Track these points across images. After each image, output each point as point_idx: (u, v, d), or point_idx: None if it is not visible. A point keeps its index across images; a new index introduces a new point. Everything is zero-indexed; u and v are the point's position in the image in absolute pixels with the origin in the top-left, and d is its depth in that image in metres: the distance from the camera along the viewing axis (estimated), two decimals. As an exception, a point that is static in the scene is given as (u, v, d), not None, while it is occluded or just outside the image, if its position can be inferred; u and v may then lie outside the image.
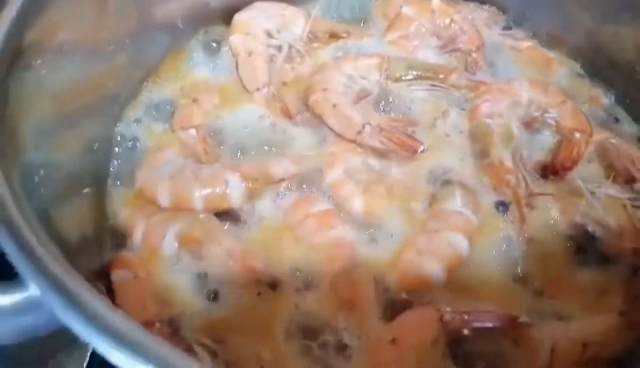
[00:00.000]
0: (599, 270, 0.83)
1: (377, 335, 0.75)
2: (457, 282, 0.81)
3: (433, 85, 1.05)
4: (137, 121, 1.01)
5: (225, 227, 0.87)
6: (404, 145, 0.93)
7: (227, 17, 1.12)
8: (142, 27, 1.00)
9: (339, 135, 0.97)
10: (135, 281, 0.78)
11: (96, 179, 0.91)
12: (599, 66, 1.07)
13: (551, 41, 1.14)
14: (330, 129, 0.98)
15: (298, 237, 0.86)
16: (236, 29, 1.10)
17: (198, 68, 1.09)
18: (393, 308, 0.79)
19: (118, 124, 0.98)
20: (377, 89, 1.04)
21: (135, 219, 0.88)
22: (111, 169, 0.94)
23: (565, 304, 0.80)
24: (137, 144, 0.97)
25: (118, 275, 0.78)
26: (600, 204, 0.88)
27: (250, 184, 0.89)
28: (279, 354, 0.75)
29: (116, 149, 0.96)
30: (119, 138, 0.97)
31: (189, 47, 1.10)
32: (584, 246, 0.85)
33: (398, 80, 1.06)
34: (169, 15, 1.05)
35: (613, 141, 0.96)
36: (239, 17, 1.11)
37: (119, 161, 0.95)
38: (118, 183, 0.93)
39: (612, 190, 0.90)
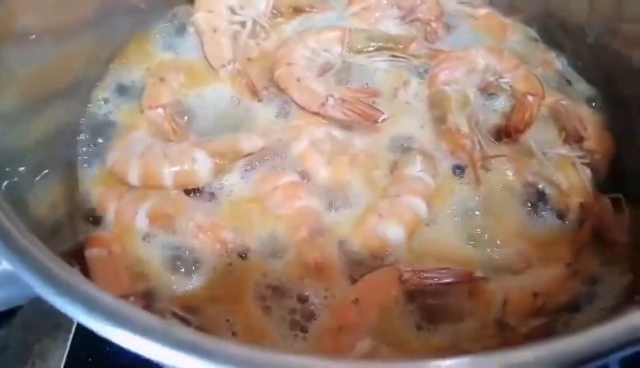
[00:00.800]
0: (549, 225, 0.88)
1: (342, 296, 0.80)
2: (418, 244, 0.86)
3: (394, 56, 1.08)
4: (105, 101, 1.03)
5: (196, 203, 0.90)
6: (365, 115, 0.97)
7: (188, -5, 1.13)
8: (106, 8, 1.01)
9: (303, 108, 1.00)
10: (109, 257, 0.81)
11: (67, 162, 0.93)
12: (552, 30, 1.11)
13: (507, 8, 1.18)
14: (295, 102, 1.01)
15: (266, 209, 0.90)
16: (200, 6, 1.12)
17: (164, 48, 1.11)
18: (358, 271, 0.84)
19: (87, 107, 1.00)
20: (340, 61, 1.07)
21: (107, 198, 0.91)
22: (82, 150, 0.96)
23: (516, 257, 0.85)
24: (107, 125, 1.00)
25: (92, 253, 0.81)
26: (551, 163, 0.93)
27: (217, 160, 0.92)
28: (250, 318, 0.79)
29: (85, 131, 0.98)
30: (88, 120, 0.99)
31: (155, 28, 1.12)
32: (536, 203, 0.90)
33: (360, 52, 1.09)
34: (130, -4, 1.06)
35: (563, 102, 1.00)
36: (202, -5, 1.13)
37: (89, 143, 0.97)
38: (88, 165, 0.95)
39: (563, 150, 0.95)
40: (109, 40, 1.05)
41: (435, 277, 0.80)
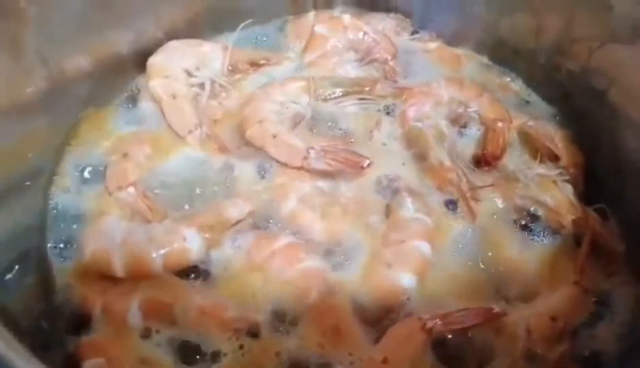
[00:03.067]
0: (547, 246, 0.90)
1: (368, 357, 0.76)
2: (430, 285, 0.84)
3: (361, 98, 1.08)
4: (66, 190, 0.94)
5: (191, 284, 0.83)
6: (350, 163, 0.95)
7: (141, 63, 1.08)
8: (54, 86, 0.93)
9: (284, 164, 0.97)
10: (110, 364, 0.72)
11: (38, 259, 0.83)
12: (503, 55, 1.16)
13: (455, 39, 1.21)
14: (275, 159, 0.97)
15: (267, 277, 0.85)
16: (153, 73, 1.06)
17: (121, 121, 1.04)
18: (376, 326, 0.80)
19: (49, 198, 0.91)
20: (310, 111, 1.05)
21: (90, 296, 0.82)
22: (52, 245, 0.87)
23: (524, 285, 0.86)
24: (74, 215, 0.91)
25: (90, 365, 0.72)
26: (534, 184, 0.96)
27: (207, 235, 0.86)
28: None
29: (52, 224, 0.89)
30: (53, 212, 0.90)
31: (108, 102, 1.05)
32: (529, 226, 0.92)
33: (327, 99, 1.08)
34: (80, 69, 0.98)
35: (531, 124, 1.04)
36: (154, 61, 1.08)
37: (59, 236, 0.88)
38: (62, 260, 0.86)
39: (541, 169, 0.98)
40: (62, 120, 0.97)
41: (459, 321, 0.78)
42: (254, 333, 0.79)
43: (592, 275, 0.85)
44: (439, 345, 0.78)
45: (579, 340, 0.79)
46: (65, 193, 0.93)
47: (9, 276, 0.75)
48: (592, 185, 0.99)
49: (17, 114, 0.86)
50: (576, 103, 1.05)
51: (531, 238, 0.91)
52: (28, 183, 0.87)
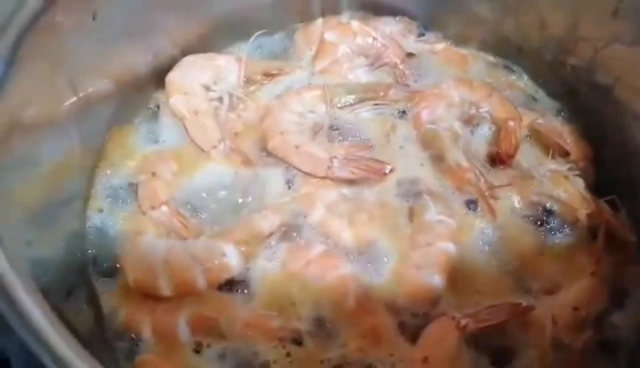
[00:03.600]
0: (564, 240, 0.95)
1: (409, 357, 0.81)
2: (458, 285, 0.89)
3: (376, 104, 1.12)
4: (101, 211, 0.96)
5: (233, 297, 0.87)
6: (373, 170, 0.99)
7: (159, 80, 1.10)
8: (80, 107, 0.95)
9: (309, 174, 1.00)
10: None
11: (83, 283, 0.87)
12: (509, 54, 1.20)
13: (461, 39, 1.25)
14: (299, 170, 1.01)
15: (305, 285, 0.89)
16: (173, 90, 1.09)
17: (145, 139, 1.07)
18: (410, 327, 0.85)
19: (86, 221, 0.94)
20: (328, 120, 1.08)
21: (138, 316, 0.85)
22: (92, 268, 0.90)
23: (546, 278, 0.91)
24: (111, 235, 0.94)
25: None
26: (548, 180, 1.01)
27: (243, 248, 0.90)
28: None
29: (91, 246, 0.92)
30: (90, 234, 0.93)
31: (130, 121, 1.07)
32: (546, 221, 0.97)
33: (343, 106, 1.11)
34: (103, 91, 1.00)
35: (540, 121, 1.09)
36: (172, 77, 1.10)
37: (99, 258, 0.91)
38: (106, 281, 0.89)
39: (553, 165, 1.03)
40: (90, 142, 0.99)
41: (490, 317, 0.83)
42: (297, 340, 0.83)
43: (608, 265, 0.90)
44: (473, 340, 0.83)
45: (601, 327, 0.84)
46: (100, 215, 0.95)
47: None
48: (602, 178, 1.03)
49: (50, 137, 0.88)
50: (582, 99, 1.10)
51: (549, 233, 0.96)
52: (64, 208, 0.90)
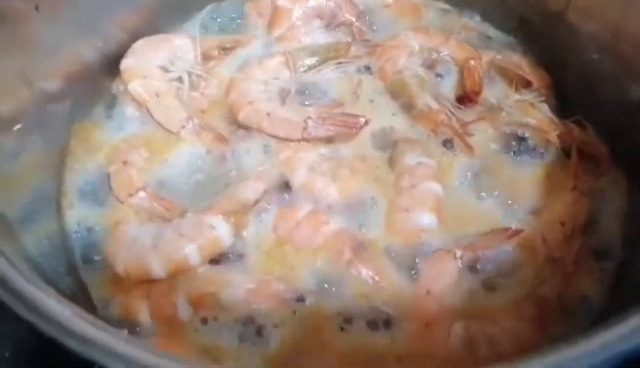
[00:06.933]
0: (541, 162, 0.98)
1: (413, 294, 0.82)
2: (449, 220, 0.91)
3: (339, 63, 1.11)
4: (75, 207, 0.93)
5: (229, 268, 0.86)
6: (348, 124, 0.99)
7: (112, 68, 1.06)
8: (37, 105, 0.91)
9: (285, 139, 0.99)
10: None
11: (72, 279, 0.83)
12: (458, -4, 1.22)
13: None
14: (275, 136, 1.00)
15: (299, 246, 0.88)
16: (130, 75, 1.05)
17: (109, 130, 1.03)
18: (410, 268, 0.86)
19: (62, 218, 0.90)
20: (294, 84, 1.07)
21: (132, 302, 0.83)
22: (79, 264, 0.87)
23: (530, 201, 0.94)
24: (91, 229, 0.91)
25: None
26: (515, 110, 1.03)
27: (232, 219, 0.88)
28: (337, 350, 0.79)
29: (73, 244, 0.88)
30: (70, 231, 0.90)
31: (90, 114, 1.03)
32: (521, 148, 1.00)
33: (307, 70, 1.11)
34: (56, 85, 0.96)
35: (499, 56, 1.11)
36: (127, 63, 1.06)
37: (83, 253, 0.88)
38: (93, 274, 0.86)
39: (518, 96, 1.06)
40: (52, 141, 0.95)
41: (484, 245, 0.85)
42: (302, 299, 0.83)
43: (586, 178, 0.94)
44: (472, 270, 0.85)
45: (588, 237, 0.88)
46: (75, 212, 0.92)
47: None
48: (565, 100, 1.07)
49: (11, 138, 0.84)
50: (536, 28, 1.13)
51: (525, 158, 0.99)
52: (39, 209, 0.86)
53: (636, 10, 0.90)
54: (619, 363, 0.51)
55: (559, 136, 0.99)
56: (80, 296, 0.82)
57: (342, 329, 0.81)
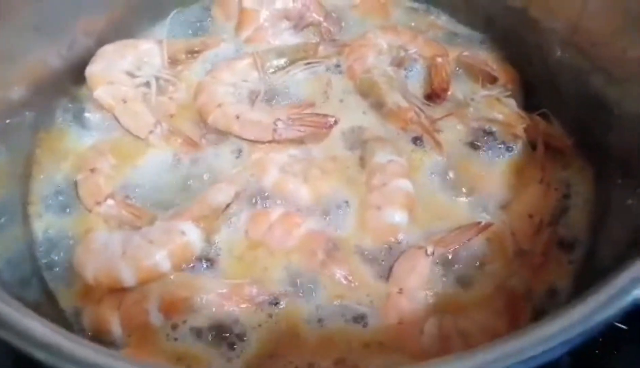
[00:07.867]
0: (508, 156, 1.00)
1: (386, 292, 0.82)
2: (419, 216, 0.91)
3: (308, 63, 1.11)
4: (42, 218, 0.91)
5: (200, 275, 0.85)
6: (318, 124, 0.99)
7: (77, 75, 1.04)
8: (1, 115, 0.89)
9: (255, 141, 0.99)
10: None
11: (39, 289, 0.82)
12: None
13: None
14: (245, 139, 0.99)
15: (272, 249, 0.88)
16: (95, 82, 1.03)
17: (75, 138, 1.02)
18: (382, 267, 0.87)
19: (29, 228, 0.88)
20: (263, 85, 1.07)
21: (102, 312, 0.81)
22: (46, 274, 0.85)
23: (499, 195, 0.95)
24: (58, 239, 0.89)
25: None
26: (482, 106, 1.05)
27: (202, 224, 0.87)
28: (310, 350, 0.79)
29: (41, 254, 0.86)
30: (37, 242, 0.88)
31: (55, 122, 1.01)
32: (489, 143, 1.01)
33: (275, 71, 1.10)
34: (19, 91, 0.94)
35: (466, 53, 1.13)
36: (92, 70, 1.04)
37: (51, 263, 0.86)
38: (62, 284, 0.85)
39: (485, 92, 1.07)
40: (17, 151, 0.93)
41: (454, 240, 0.86)
42: (276, 302, 0.82)
43: (553, 170, 0.96)
44: (444, 265, 0.86)
45: (555, 228, 0.89)
46: (42, 221, 0.90)
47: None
48: (531, 95, 1.09)
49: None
50: (500, 25, 1.15)
51: (493, 152, 1.00)
52: (5, 219, 0.84)
53: (593, 6, 0.91)
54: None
55: (525, 130, 1.00)
56: (49, 307, 0.80)
57: (316, 330, 0.80)
